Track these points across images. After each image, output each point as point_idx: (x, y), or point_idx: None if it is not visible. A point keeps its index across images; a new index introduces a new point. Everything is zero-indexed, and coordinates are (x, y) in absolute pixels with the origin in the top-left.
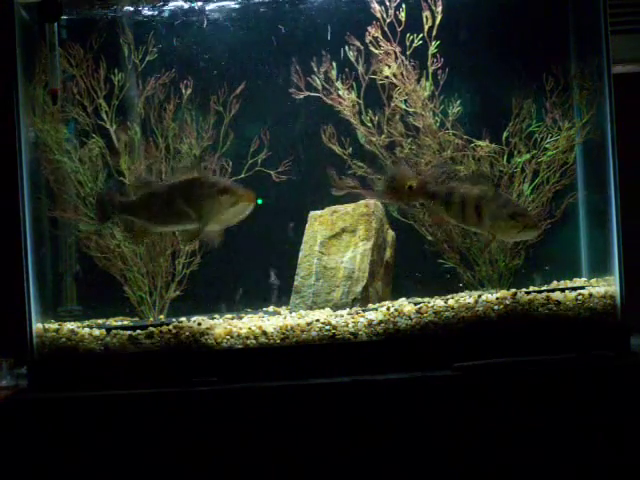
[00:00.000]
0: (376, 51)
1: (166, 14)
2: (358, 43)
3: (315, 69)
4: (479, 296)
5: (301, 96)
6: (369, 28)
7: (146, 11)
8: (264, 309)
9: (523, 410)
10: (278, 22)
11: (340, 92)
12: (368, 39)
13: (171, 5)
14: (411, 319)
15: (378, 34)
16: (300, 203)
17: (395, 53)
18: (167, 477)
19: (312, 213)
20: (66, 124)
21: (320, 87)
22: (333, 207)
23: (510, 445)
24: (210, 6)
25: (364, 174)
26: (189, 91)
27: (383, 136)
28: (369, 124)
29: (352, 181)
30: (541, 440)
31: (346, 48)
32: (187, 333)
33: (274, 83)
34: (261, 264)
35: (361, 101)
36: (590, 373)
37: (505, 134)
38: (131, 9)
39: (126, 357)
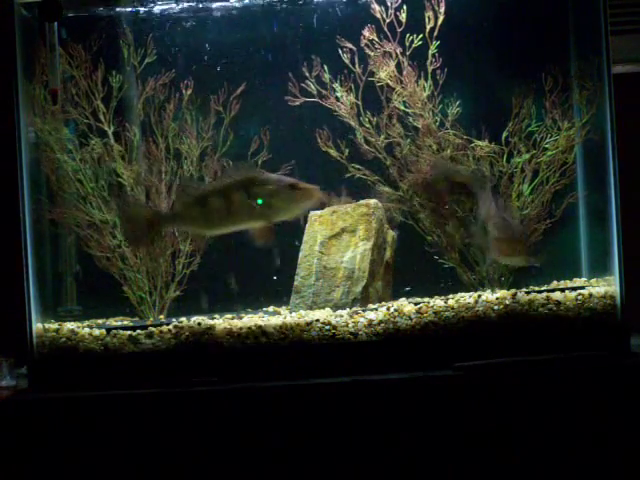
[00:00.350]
0: (371, 53)
1: (165, 13)
2: (361, 44)
3: (315, 71)
4: (479, 296)
5: (297, 103)
6: (364, 31)
7: (146, 9)
8: (264, 309)
9: (523, 410)
10: (278, 24)
11: (338, 94)
12: (364, 42)
13: (170, 4)
14: (411, 319)
15: (373, 36)
16: None
17: (396, 53)
18: (167, 477)
19: (312, 213)
20: (66, 124)
21: (315, 91)
22: (333, 207)
23: (510, 445)
24: (213, 5)
25: (362, 176)
26: (193, 92)
27: (382, 137)
28: (368, 125)
29: (346, 197)
30: (541, 440)
31: (348, 49)
32: (187, 333)
33: (275, 84)
34: (261, 264)
35: (359, 102)
36: (590, 373)
37: (505, 134)
38: (131, 9)
39: (126, 357)
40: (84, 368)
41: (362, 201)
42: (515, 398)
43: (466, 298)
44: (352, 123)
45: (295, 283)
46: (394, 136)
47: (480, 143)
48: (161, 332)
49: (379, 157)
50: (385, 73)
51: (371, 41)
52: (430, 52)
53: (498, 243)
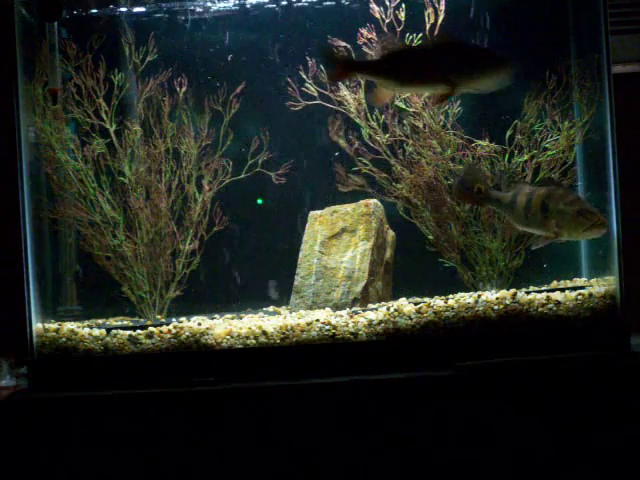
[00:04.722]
0: (370, 52)
1: (165, 14)
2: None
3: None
4: (479, 296)
5: (299, 107)
6: (362, 30)
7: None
8: (264, 309)
9: (523, 410)
10: (283, 23)
11: (342, 93)
12: (361, 41)
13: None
14: (411, 319)
15: (372, 35)
16: (300, 203)
17: None
18: (167, 477)
19: (312, 213)
20: (67, 123)
21: (316, 93)
22: (333, 207)
23: (510, 445)
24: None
25: (368, 172)
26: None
27: (387, 135)
28: (373, 123)
29: (359, 179)
30: (541, 440)
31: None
32: (187, 333)
33: (277, 84)
34: (261, 264)
35: (363, 100)
36: (590, 373)
37: (509, 132)
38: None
39: (126, 357)
40: (84, 368)
41: (362, 201)
42: (515, 398)
43: (466, 298)
44: (358, 120)
45: (295, 283)
46: (399, 134)
47: (482, 142)
48: (161, 332)
49: (382, 156)
50: None
51: (369, 40)
52: None
53: (584, 215)
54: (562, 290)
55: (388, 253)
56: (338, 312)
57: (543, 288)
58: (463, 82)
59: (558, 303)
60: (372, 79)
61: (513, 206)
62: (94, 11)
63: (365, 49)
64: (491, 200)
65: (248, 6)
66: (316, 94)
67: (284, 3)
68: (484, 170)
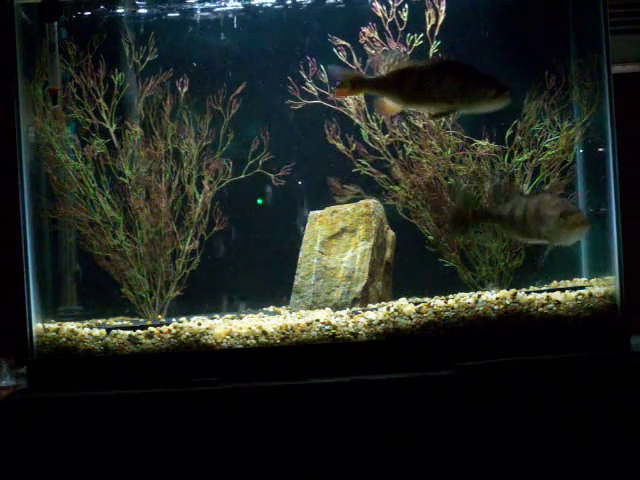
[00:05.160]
0: (372, 51)
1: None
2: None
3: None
4: (479, 296)
5: (299, 106)
6: (363, 29)
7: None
8: (264, 309)
9: (523, 410)
10: (286, 22)
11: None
12: (363, 39)
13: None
14: (411, 319)
15: (374, 35)
16: (300, 203)
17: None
18: (167, 477)
19: (312, 213)
20: (67, 123)
21: (316, 93)
22: (333, 207)
23: (510, 445)
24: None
25: (368, 173)
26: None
27: (387, 136)
28: (373, 123)
29: (355, 188)
30: (541, 440)
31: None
32: (187, 333)
33: (279, 83)
34: (261, 264)
35: (363, 100)
36: (590, 373)
37: (509, 132)
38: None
39: (126, 357)
40: (84, 368)
41: (362, 201)
42: (515, 398)
43: (466, 298)
44: (357, 120)
45: (295, 283)
46: (399, 135)
47: (482, 142)
48: (161, 332)
49: (382, 156)
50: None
51: (371, 39)
52: (431, 51)
53: (564, 216)
54: (562, 290)
55: (388, 253)
56: (338, 312)
57: (543, 288)
58: (464, 105)
59: (558, 303)
60: (377, 95)
61: (512, 219)
62: (93, 11)
63: (366, 48)
64: (491, 217)
65: (253, 4)
66: (316, 94)
67: (288, 2)
68: (470, 191)
